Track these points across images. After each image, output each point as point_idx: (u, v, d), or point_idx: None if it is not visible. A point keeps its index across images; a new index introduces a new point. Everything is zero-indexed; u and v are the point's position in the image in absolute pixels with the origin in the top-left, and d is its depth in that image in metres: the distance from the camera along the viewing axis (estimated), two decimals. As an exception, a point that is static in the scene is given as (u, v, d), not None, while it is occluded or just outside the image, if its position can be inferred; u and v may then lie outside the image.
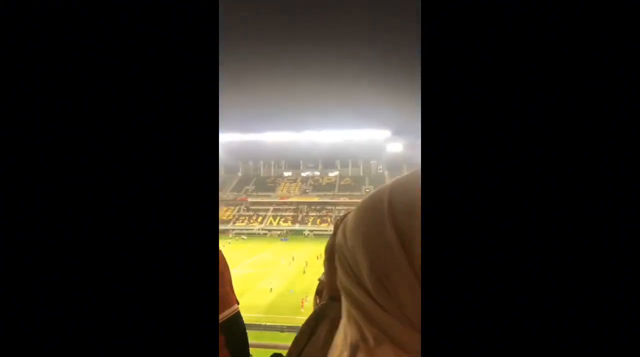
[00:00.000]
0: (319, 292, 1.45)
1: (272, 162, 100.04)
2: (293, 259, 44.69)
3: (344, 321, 0.65)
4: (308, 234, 75.08)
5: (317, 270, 40.12)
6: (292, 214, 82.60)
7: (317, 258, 46.26)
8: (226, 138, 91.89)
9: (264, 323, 24.01)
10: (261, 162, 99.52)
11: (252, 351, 2.61)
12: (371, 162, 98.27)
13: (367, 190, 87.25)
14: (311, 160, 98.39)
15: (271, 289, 31.84)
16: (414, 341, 0.57)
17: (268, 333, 22.63)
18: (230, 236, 71.80)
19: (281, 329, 23.34)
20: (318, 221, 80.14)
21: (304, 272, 38.66)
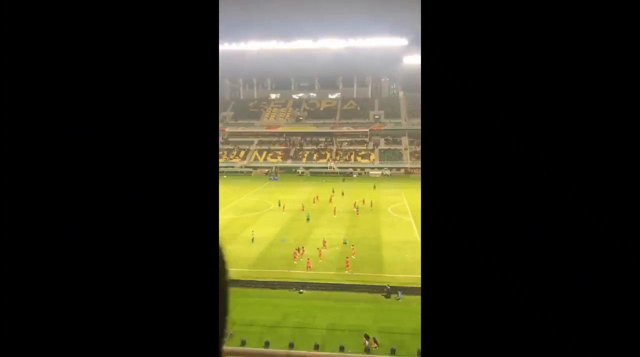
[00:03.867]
0: None
1: (255, 81, 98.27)
2: (279, 204, 45.67)
3: None
4: (303, 172, 76.47)
5: (315, 215, 41.13)
6: (283, 147, 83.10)
7: (314, 202, 47.48)
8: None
9: (252, 278, 25.14)
10: (241, 80, 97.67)
11: None
12: (382, 79, 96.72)
13: (377, 116, 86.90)
14: (305, 77, 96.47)
15: (253, 238, 33.01)
16: None
17: (256, 290, 23.92)
18: (206, 175, 72.52)
19: (272, 285, 24.67)
20: (315, 156, 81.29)
21: (308, 219, 40.07)
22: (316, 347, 18.13)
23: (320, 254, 29.75)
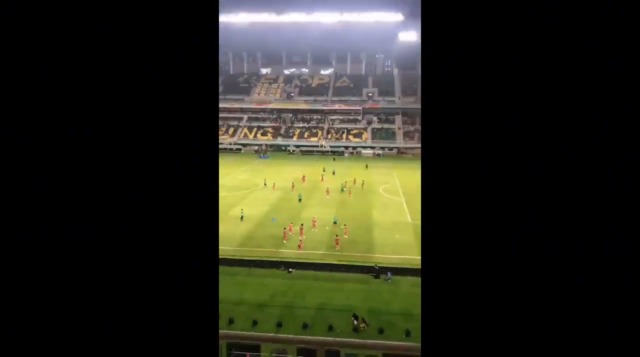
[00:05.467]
0: None
1: (245, 55, 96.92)
2: (265, 184, 46.00)
3: None
4: (293, 151, 76.45)
5: (306, 195, 41.23)
6: (273, 125, 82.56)
7: (303, 180, 47.58)
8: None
9: (241, 257, 25.42)
10: (230, 54, 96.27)
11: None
12: (377, 56, 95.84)
13: (370, 94, 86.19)
14: (297, 52, 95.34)
15: (242, 217, 33.19)
16: None
17: (244, 269, 24.16)
18: (194, 152, 71.93)
19: (261, 264, 24.90)
20: (306, 133, 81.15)
21: (300, 200, 40.35)
22: (305, 327, 18.41)
23: (301, 233, 30.14)
